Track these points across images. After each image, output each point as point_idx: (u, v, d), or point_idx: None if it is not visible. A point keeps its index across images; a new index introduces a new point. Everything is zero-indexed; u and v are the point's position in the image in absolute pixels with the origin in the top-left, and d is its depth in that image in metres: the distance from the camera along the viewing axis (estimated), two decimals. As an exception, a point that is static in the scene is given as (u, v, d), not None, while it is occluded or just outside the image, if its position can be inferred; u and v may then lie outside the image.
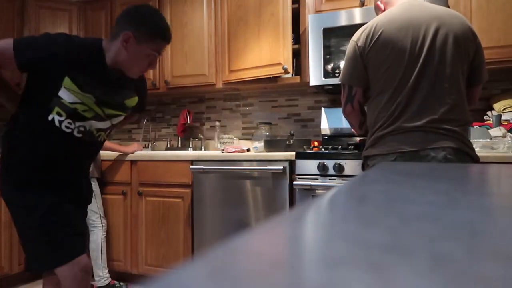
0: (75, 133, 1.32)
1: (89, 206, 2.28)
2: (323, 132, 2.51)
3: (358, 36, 1.36)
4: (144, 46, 1.28)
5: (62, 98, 1.27)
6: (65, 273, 1.26)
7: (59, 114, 1.27)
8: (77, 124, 1.31)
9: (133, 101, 1.48)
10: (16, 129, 1.31)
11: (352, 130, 1.69)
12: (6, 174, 1.33)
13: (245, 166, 2.15)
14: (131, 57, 1.29)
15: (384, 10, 1.44)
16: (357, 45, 1.35)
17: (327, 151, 2.04)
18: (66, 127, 1.30)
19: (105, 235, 2.41)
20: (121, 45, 1.28)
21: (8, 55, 1.20)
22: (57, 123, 1.28)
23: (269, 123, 2.75)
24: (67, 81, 1.26)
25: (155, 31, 1.29)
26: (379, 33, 1.29)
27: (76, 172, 1.44)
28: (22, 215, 1.30)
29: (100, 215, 2.39)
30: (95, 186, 2.39)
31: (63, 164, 1.37)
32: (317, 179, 1.96)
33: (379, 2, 1.47)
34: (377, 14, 1.51)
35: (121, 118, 1.48)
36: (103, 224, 2.40)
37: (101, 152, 2.50)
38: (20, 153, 1.31)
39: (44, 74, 1.25)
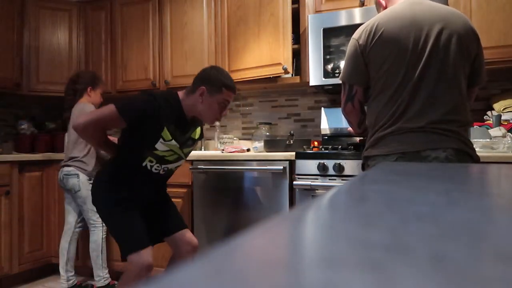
0: (161, 172, 1.70)
1: (90, 206, 2.31)
2: (323, 132, 2.51)
3: (359, 34, 1.34)
4: (215, 97, 1.61)
5: (156, 149, 1.60)
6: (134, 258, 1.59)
7: (150, 161, 1.64)
8: (163, 166, 1.68)
9: (196, 133, 1.81)
10: (115, 169, 1.67)
11: (348, 129, 1.68)
12: (108, 195, 1.67)
13: (245, 166, 2.15)
14: (206, 107, 1.62)
15: (386, 7, 1.42)
16: (358, 43, 1.33)
17: (327, 151, 2.04)
18: (156, 169, 1.67)
19: (105, 235, 2.41)
20: (198, 98, 1.61)
21: (116, 120, 1.52)
22: (149, 167, 1.65)
23: (269, 123, 2.75)
24: (165, 132, 1.58)
25: (222, 84, 1.61)
26: (380, 32, 1.27)
27: (156, 196, 1.82)
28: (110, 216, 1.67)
29: None
30: None
31: (149, 193, 1.75)
32: (317, 179, 1.96)
33: None
34: (378, 11, 1.49)
35: (192, 151, 1.85)
36: (103, 224, 2.39)
37: (102, 152, 2.50)
38: (120, 186, 1.66)
39: (146, 129, 1.56)
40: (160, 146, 1.60)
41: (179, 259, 1.82)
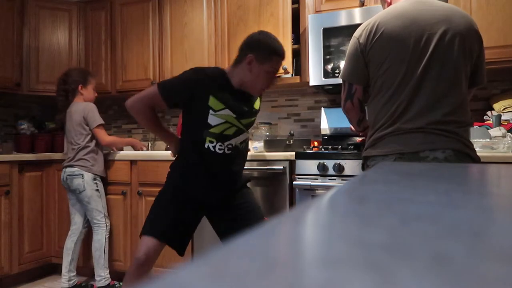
0: (226, 151, 1.58)
1: (94, 205, 2.33)
2: (323, 132, 2.51)
3: (360, 33, 1.33)
4: (264, 66, 1.51)
5: (210, 126, 1.53)
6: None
7: (211, 142, 1.56)
8: (226, 143, 1.58)
9: (258, 103, 1.71)
10: (182, 157, 1.63)
11: (350, 126, 1.68)
12: (174, 173, 1.66)
13: (245, 166, 2.14)
14: (254, 76, 1.52)
15: (390, 3, 1.40)
16: (358, 41, 1.32)
17: (327, 151, 2.04)
18: (219, 149, 1.57)
19: (108, 235, 2.40)
20: (246, 67, 1.52)
21: (158, 98, 1.53)
22: (212, 148, 1.56)
23: (269, 123, 2.75)
24: (212, 100, 1.51)
25: (271, 51, 1.51)
26: (381, 31, 1.26)
27: (230, 184, 1.66)
28: (160, 195, 1.64)
29: (104, 214, 2.39)
30: (99, 185, 2.39)
31: (222, 179, 1.62)
32: (317, 179, 1.96)
33: None
34: (383, 7, 1.47)
35: (253, 124, 1.72)
36: (107, 224, 2.39)
37: (104, 151, 2.50)
38: (186, 173, 1.61)
39: (192, 103, 1.53)
40: (212, 120, 1.52)
41: None
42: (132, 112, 1.60)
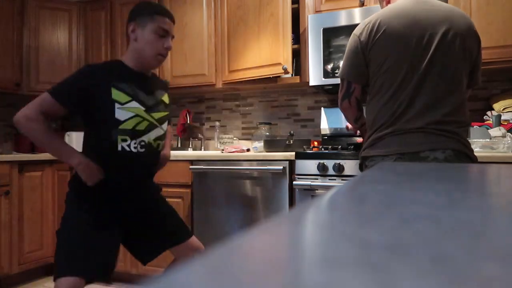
0: (139, 149, 1.44)
1: None
2: (322, 132, 2.51)
3: (361, 31, 1.31)
4: (148, 28, 1.41)
5: (120, 122, 1.37)
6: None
7: (124, 140, 1.40)
8: (138, 140, 1.43)
9: (166, 97, 1.59)
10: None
11: (347, 124, 1.69)
12: (73, 193, 1.46)
13: (245, 166, 2.15)
14: (142, 43, 1.42)
15: (389, 2, 1.40)
16: (359, 40, 1.31)
17: (327, 151, 2.04)
18: (134, 147, 1.43)
19: None
20: (132, 37, 1.43)
21: (53, 104, 1.34)
22: (127, 148, 1.41)
23: (269, 123, 2.75)
24: (115, 92, 1.37)
25: (151, 11, 1.42)
26: (383, 29, 1.25)
27: (141, 185, 1.53)
28: (64, 225, 1.41)
29: None
30: None
31: (130, 180, 1.48)
32: (317, 179, 1.96)
33: None
34: (380, 5, 1.46)
35: (166, 121, 1.58)
36: None
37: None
38: (101, 187, 1.41)
39: (94, 101, 1.36)
40: (121, 114, 1.37)
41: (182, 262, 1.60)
42: (20, 124, 1.32)
